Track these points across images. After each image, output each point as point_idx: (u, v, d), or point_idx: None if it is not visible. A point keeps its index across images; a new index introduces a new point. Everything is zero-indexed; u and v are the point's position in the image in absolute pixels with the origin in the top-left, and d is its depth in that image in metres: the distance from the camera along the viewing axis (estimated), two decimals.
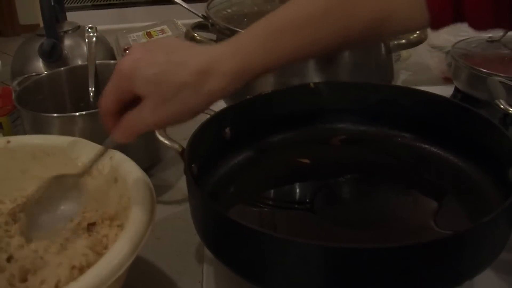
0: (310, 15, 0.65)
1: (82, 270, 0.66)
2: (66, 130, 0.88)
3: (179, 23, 1.34)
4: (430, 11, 0.65)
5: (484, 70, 1.05)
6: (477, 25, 0.67)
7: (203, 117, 0.84)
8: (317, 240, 0.63)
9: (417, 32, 1.02)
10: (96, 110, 0.91)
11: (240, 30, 0.97)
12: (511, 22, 0.64)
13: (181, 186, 0.96)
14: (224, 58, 0.61)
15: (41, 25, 1.18)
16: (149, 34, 1.29)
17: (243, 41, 0.64)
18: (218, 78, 0.60)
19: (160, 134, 0.79)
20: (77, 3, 2.18)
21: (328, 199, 0.79)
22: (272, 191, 0.83)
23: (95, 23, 1.15)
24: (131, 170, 0.71)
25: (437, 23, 0.67)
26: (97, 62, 1.07)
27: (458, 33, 1.32)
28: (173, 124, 0.62)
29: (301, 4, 0.66)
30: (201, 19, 1.10)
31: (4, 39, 4.55)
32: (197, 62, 0.60)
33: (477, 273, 0.63)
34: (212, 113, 0.82)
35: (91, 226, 0.72)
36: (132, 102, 0.61)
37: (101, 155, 0.68)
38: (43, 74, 1.06)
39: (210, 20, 1.06)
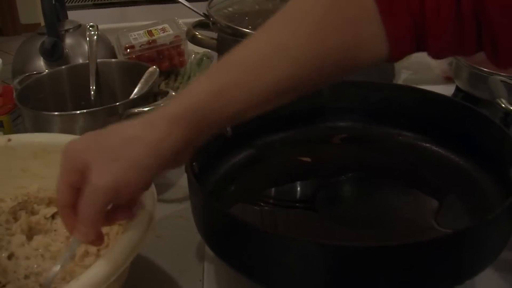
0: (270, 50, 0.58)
1: (83, 268, 0.67)
2: (67, 128, 0.88)
3: (180, 21, 1.34)
4: (390, 40, 0.57)
5: (485, 69, 1.05)
6: (438, 53, 0.60)
7: None
8: (318, 238, 0.63)
9: None
10: (97, 108, 0.91)
11: (241, 29, 0.98)
12: (473, 48, 0.58)
13: (182, 184, 0.96)
14: (164, 108, 0.57)
15: (42, 24, 1.18)
16: (150, 33, 1.28)
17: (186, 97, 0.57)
18: (157, 124, 0.55)
19: None
20: (78, 2, 2.18)
21: (329, 198, 0.79)
22: (273, 189, 0.83)
23: (96, 22, 1.15)
24: None
25: (397, 54, 0.59)
26: (98, 60, 1.07)
27: None
28: (126, 189, 0.55)
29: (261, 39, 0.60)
30: (202, 18, 1.10)
31: (5, 38, 4.55)
32: (127, 132, 0.56)
33: (478, 272, 0.63)
34: None
35: None
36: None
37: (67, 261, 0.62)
38: (44, 73, 1.06)
39: (211, 19, 1.06)
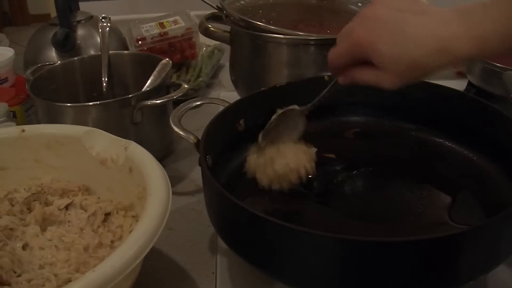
0: None
1: (97, 259, 0.67)
2: (79, 119, 0.88)
3: (191, 14, 1.34)
4: None
5: (498, 64, 1.04)
6: None
7: (217, 109, 0.84)
8: (332, 231, 0.63)
9: None
10: (110, 100, 0.91)
11: (254, 22, 0.98)
12: None
13: (194, 177, 0.96)
14: (461, 41, 0.59)
15: (51, 14, 1.18)
16: (161, 25, 1.28)
17: (477, 19, 0.59)
18: (450, 61, 0.61)
19: (175, 125, 0.79)
20: None
21: (342, 192, 0.79)
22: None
23: (107, 13, 1.14)
24: (146, 160, 0.71)
25: None
26: (111, 52, 1.07)
27: None
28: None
29: None
30: (215, 10, 1.10)
31: (14, 28, 4.56)
32: (433, 42, 0.60)
33: (491, 268, 0.63)
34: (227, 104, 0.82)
35: (106, 217, 0.73)
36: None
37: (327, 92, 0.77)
38: (57, 64, 1.06)
39: (224, 12, 1.05)
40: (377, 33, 0.62)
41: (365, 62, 0.65)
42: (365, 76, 0.66)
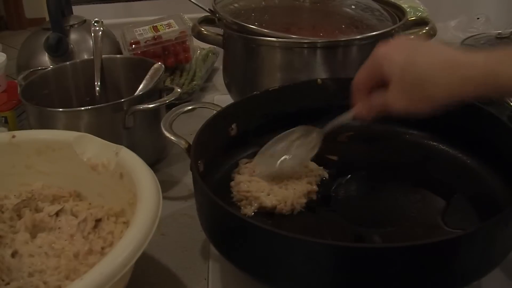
0: None
1: (87, 266, 0.66)
2: (71, 124, 0.88)
3: (185, 17, 1.33)
4: None
5: None
6: None
7: (211, 112, 0.84)
8: (324, 237, 0.62)
9: (426, 28, 1.00)
10: (102, 105, 0.90)
11: (247, 25, 0.97)
12: None
13: (187, 181, 0.95)
14: (475, 66, 0.60)
15: (47, 19, 1.17)
16: (155, 28, 1.28)
17: (499, 56, 0.60)
18: (461, 79, 0.61)
19: (166, 130, 0.79)
20: None
21: (336, 196, 0.78)
22: None
23: (101, 17, 1.14)
24: (137, 165, 0.71)
25: None
26: (103, 56, 1.06)
27: (467, 29, 1.31)
28: (413, 112, 0.66)
29: None
30: (208, 14, 1.09)
31: (10, 32, 4.55)
32: (441, 57, 0.62)
33: (485, 273, 0.62)
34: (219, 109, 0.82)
35: (97, 223, 0.72)
36: (380, 85, 0.68)
37: (343, 121, 0.77)
38: (49, 69, 1.06)
39: (217, 15, 1.05)
40: (393, 47, 0.67)
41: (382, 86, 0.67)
42: (379, 98, 0.69)
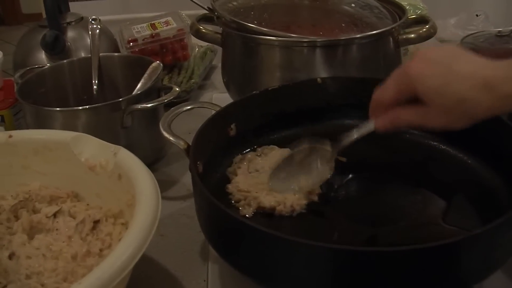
0: None
1: (85, 268, 0.66)
2: (68, 124, 0.87)
3: (183, 14, 1.32)
4: None
5: None
6: None
7: (210, 111, 0.83)
8: (325, 239, 0.62)
9: (427, 26, 1.00)
10: (99, 104, 0.90)
11: (246, 24, 0.96)
12: None
13: (186, 181, 0.95)
14: (508, 82, 0.59)
15: (44, 15, 1.16)
16: (153, 26, 1.27)
17: None
18: (497, 101, 0.60)
19: (165, 130, 0.78)
20: None
21: (336, 197, 0.78)
22: None
23: (98, 13, 1.13)
24: (135, 166, 0.70)
25: None
26: (101, 54, 1.05)
27: (467, 27, 1.30)
28: (452, 128, 0.66)
29: None
30: (206, 12, 1.08)
31: (6, 27, 4.54)
32: (478, 77, 0.60)
33: (487, 275, 0.62)
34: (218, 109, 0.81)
35: (95, 224, 0.71)
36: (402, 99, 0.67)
37: (363, 134, 0.74)
38: (46, 67, 1.05)
39: (215, 13, 1.04)
40: (425, 65, 0.64)
41: (410, 102, 0.66)
42: (410, 115, 0.67)
